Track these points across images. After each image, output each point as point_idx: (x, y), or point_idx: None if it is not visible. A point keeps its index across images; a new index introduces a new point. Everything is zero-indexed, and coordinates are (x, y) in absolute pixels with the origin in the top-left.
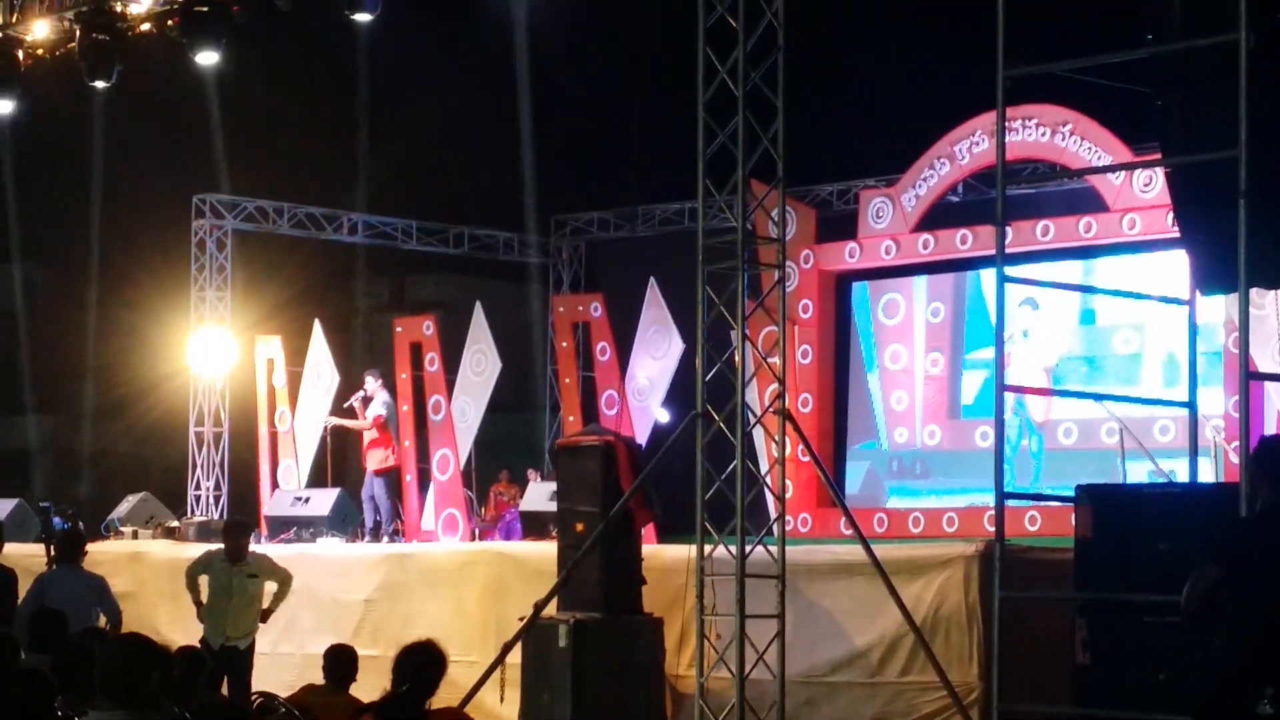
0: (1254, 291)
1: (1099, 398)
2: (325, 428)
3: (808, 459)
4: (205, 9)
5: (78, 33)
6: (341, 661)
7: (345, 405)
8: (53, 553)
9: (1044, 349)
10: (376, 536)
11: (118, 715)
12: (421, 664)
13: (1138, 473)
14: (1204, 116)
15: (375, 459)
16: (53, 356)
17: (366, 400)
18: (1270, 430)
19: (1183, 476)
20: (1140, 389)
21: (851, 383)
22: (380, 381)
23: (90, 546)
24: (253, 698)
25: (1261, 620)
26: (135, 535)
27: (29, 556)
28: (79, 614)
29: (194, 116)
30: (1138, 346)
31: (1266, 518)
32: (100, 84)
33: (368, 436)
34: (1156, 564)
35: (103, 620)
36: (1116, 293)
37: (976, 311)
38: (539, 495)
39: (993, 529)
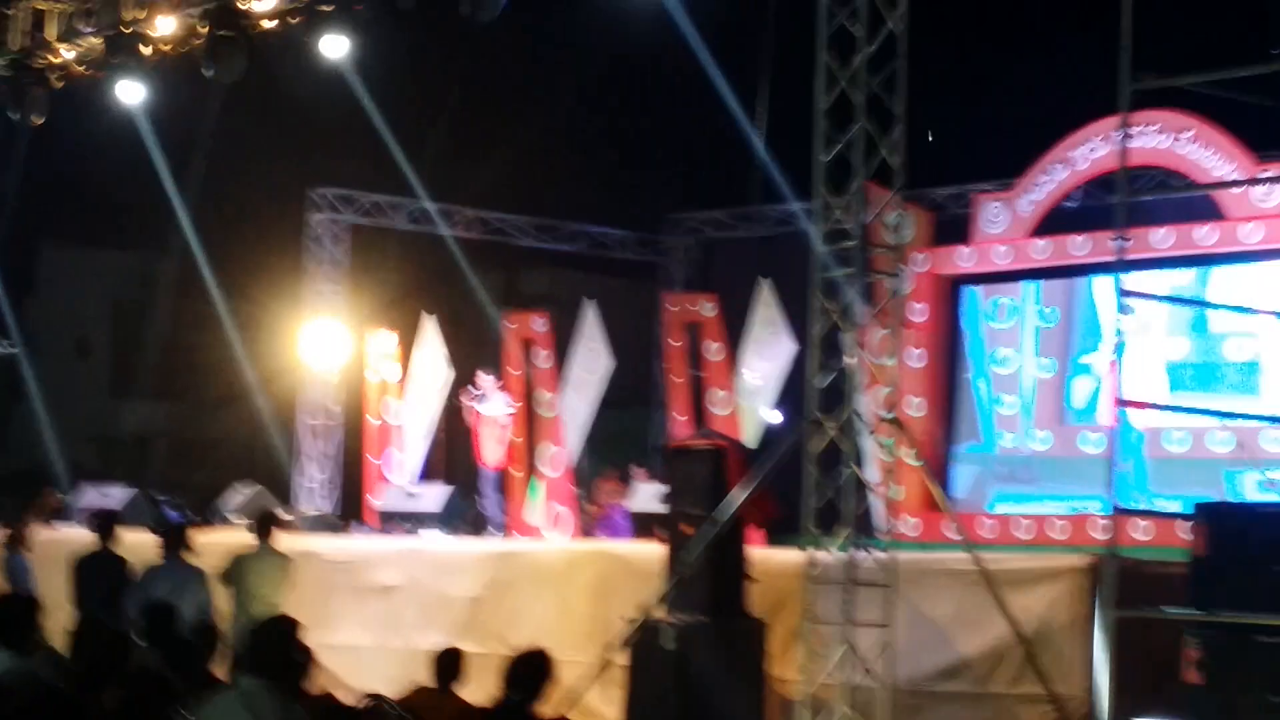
0: None
1: (1212, 414)
2: (474, 417)
3: (918, 464)
4: (329, 7)
5: (203, 29)
6: (450, 664)
7: (461, 399)
8: (162, 545)
9: (1145, 359)
10: (481, 532)
11: (261, 683)
12: (532, 673)
13: (1246, 484)
14: None
15: (498, 454)
16: (170, 345)
17: (478, 397)
18: None
19: None
20: (1257, 398)
21: (959, 385)
22: (494, 379)
23: (203, 538)
24: (362, 699)
25: None
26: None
27: (143, 545)
28: (183, 607)
29: (312, 111)
30: (1252, 354)
31: None
32: (224, 80)
33: (491, 432)
34: (1273, 585)
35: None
36: (1233, 308)
37: (1085, 318)
38: (646, 495)
39: (1102, 537)
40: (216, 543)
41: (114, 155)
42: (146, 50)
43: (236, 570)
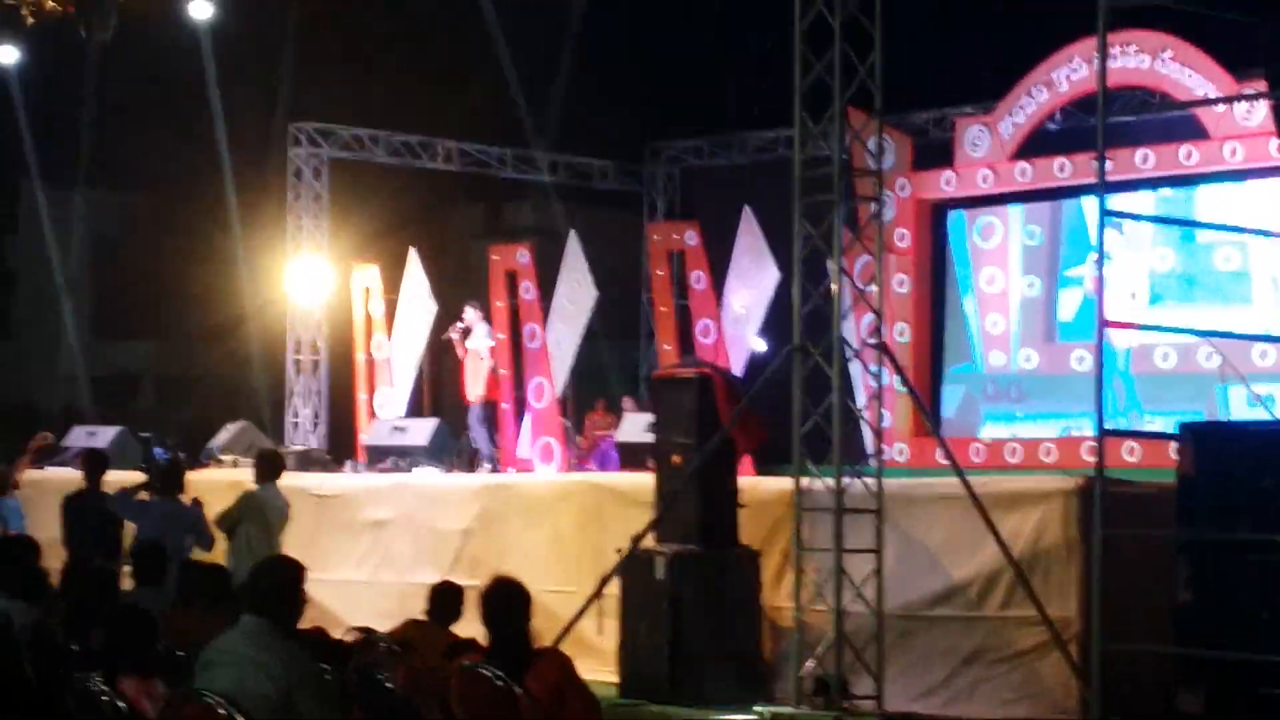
0: None
1: (1197, 333)
2: (463, 351)
3: (905, 390)
4: None
5: None
6: (448, 600)
7: (443, 336)
8: (154, 484)
9: (1130, 273)
10: (474, 466)
11: (264, 623)
12: (510, 603)
13: (1235, 397)
14: None
15: (480, 387)
16: (153, 283)
17: (465, 331)
18: None
19: None
20: (1249, 308)
21: (947, 307)
22: (480, 313)
23: (190, 475)
24: (352, 632)
25: None
26: (235, 464)
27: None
28: (176, 545)
29: (292, 45)
30: (1240, 265)
31: None
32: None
33: (475, 365)
34: (1260, 502)
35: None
36: (1219, 226)
37: (1075, 234)
38: (635, 426)
39: (1091, 459)
40: (207, 480)
41: (94, 95)
42: None
43: (241, 510)
